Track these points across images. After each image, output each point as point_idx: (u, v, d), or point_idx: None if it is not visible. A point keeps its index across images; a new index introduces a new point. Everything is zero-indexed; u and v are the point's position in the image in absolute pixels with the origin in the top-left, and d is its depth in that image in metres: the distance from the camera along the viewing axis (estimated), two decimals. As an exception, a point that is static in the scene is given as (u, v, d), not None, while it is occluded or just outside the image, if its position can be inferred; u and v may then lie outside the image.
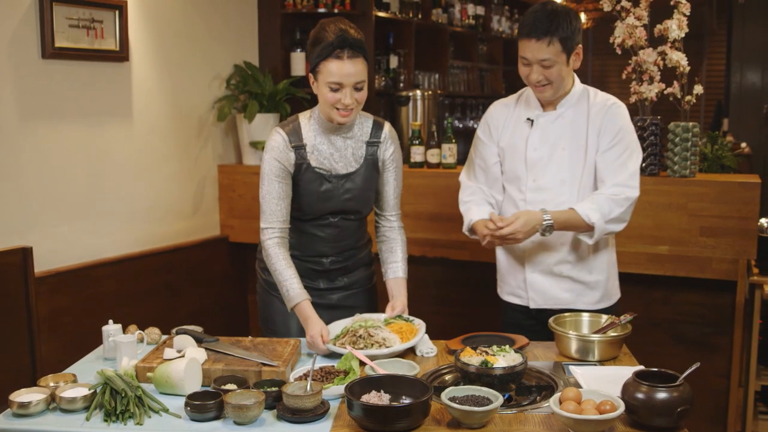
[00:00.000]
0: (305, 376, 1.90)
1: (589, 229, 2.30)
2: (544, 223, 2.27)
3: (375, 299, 2.55)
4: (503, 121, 2.48)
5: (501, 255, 2.57)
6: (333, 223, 2.35)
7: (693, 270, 3.09)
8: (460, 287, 3.55)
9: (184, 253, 3.77)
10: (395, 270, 2.40)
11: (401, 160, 2.44)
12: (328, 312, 2.40)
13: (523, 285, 2.49)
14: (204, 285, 3.91)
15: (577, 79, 2.42)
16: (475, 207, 2.48)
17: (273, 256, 2.26)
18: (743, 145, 5.11)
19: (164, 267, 3.66)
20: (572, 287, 2.43)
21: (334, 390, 1.85)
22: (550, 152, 2.38)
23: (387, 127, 2.39)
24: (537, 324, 2.44)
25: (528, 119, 2.42)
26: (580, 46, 2.33)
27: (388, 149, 2.38)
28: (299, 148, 2.27)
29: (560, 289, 2.44)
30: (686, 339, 3.26)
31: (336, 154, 2.30)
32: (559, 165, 2.38)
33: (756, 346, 3.15)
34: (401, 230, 2.47)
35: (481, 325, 2.59)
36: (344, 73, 2.15)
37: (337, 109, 2.19)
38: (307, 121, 2.30)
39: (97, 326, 3.20)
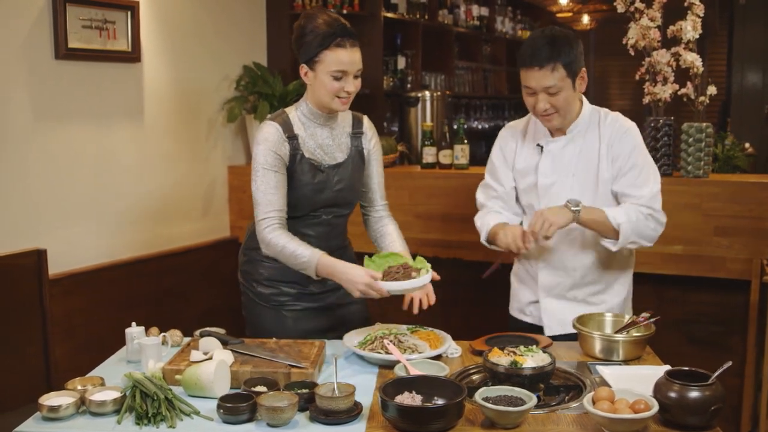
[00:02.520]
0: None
1: (615, 233, 2.26)
2: (573, 206, 2.22)
3: (365, 302, 2.53)
4: (515, 147, 2.45)
5: (513, 277, 2.57)
6: (324, 220, 2.35)
7: (707, 270, 3.10)
8: (473, 288, 3.54)
9: (194, 254, 3.77)
10: (394, 247, 2.39)
11: (381, 151, 2.47)
12: (326, 315, 2.41)
13: (535, 307, 2.48)
14: (214, 286, 3.90)
15: (585, 102, 2.37)
16: (490, 215, 2.46)
17: (275, 238, 2.19)
18: (747, 145, 5.13)
19: (175, 268, 3.65)
20: (587, 310, 2.38)
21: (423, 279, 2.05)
22: (561, 179, 2.35)
23: (366, 119, 2.44)
24: None
25: (538, 145, 2.39)
26: (584, 69, 2.28)
27: (371, 140, 2.42)
28: (292, 138, 2.26)
29: (575, 314, 2.36)
30: (699, 339, 3.27)
31: (324, 145, 2.32)
32: (569, 192, 2.33)
33: (769, 345, 3.16)
34: (391, 218, 2.47)
35: (496, 325, 2.58)
36: (349, 60, 2.17)
37: (339, 97, 2.21)
38: (294, 113, 2.31)
39: (110, 328, 3.21)
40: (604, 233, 2.29)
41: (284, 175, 2.26)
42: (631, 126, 2.35)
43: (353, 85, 2.21)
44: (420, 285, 2.11)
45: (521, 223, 2.47)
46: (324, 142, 2.32)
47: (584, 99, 2.38)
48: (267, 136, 2.24)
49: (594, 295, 2.42)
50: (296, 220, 2.32)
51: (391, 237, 2.43)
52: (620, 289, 2.45)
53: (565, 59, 2.19)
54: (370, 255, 2.24)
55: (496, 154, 2.50)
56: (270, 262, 2.37)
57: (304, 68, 2.23)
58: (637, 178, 2.30)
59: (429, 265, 2.16)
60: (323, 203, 2.33)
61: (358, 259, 2.55)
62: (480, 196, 2.56)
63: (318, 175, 2.29)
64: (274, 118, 2.29)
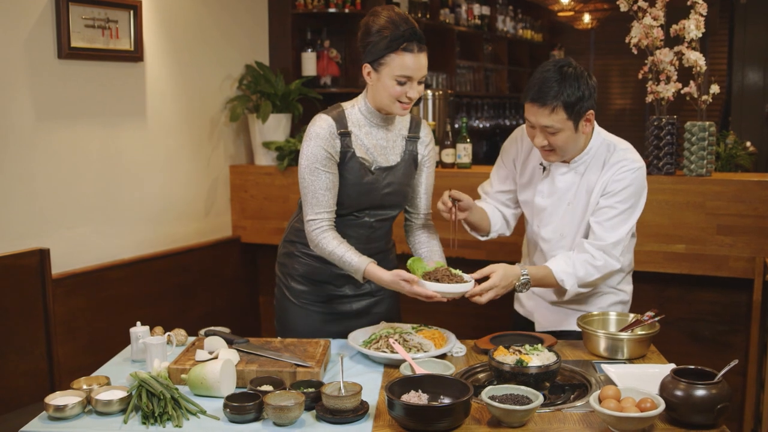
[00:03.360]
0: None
1: (561, 291, 2.27)
2: (522, 278, 2.19)
3: (399, 307, 2.52)
4: (527, 152, 2.39)
5: None
6: (366, 223, 2.30)
7: (710, 268, 3.10)
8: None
9: (197, 254, 3.76)
10: (431, 258, 2.34)
11: (435, 158, 2.42)
12: (354, 320, 2.38)
13: (530, 305, 2.49)
14: (216, 286, 3.90)
15: (597, 133, 2.27)
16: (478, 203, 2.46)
17: (323, 241, 2.18)
18: (748, 144, 5.16)
19: (178, 268, 3.65)
20: (573, 314, 2.38)
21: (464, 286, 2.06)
22: (556, 205, 2.31)
23: (425, 123, 2.38)
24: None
25: (541, 164, 2.33)
26: (592, 111, 2.17)
27: (428, 146, 2.36)
28: (345, 135, 2.20)
29: (566, 315, 2.40)
30: (702, 337, 3.27)
31: (378, 146, 2.25)
32: (561, 219, 2.31)
33: (772, 343, 3.16)
34: (433, 227, 2.44)
35: (498, 324, 2.58)
36: (416, 66, 2.10)
37: (400, 101, 2.16)
38: (351, 110, 2.25)
39: (113, 328, 3.21)
40: (554, 288, 2.30)
41: (335, 174, 2.20)
42: (637, 168, 2.23)
43: (416, 91, 2.15)
44: (463, 290, 2.09)
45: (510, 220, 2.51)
46: (378, 142, 2.26)
47: (597, 130, 2.28)
48: (318, 132, 2.18)
49: (575, 303, 2.40)
50: (339, 218, 2.27)
51: (428, 246, 2.38)
52: (611, 302, 2.42)
53: (568, 100, 2.10)
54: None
55: (501, 157, 2.46)
56: (306, 259, 2.36)
57: (367, 68, 2.16)
58: (610, 221, 2.23)
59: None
60: (368, 205, 2.28)
61: (401, 262, 2.54)
62: (480, 188, 2.56)
63: (367, 176, 2.23)
64: (329, 112, 2.23)
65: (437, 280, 2.08)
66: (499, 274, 2.15)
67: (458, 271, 2.14)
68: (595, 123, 2.28)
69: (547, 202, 2.32)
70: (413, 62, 2.10)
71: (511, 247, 3.01)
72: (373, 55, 2.13)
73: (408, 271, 2.13)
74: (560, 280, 2.22)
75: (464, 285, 2.08)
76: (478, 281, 2.14)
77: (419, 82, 2.15)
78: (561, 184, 2.29)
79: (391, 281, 2.11)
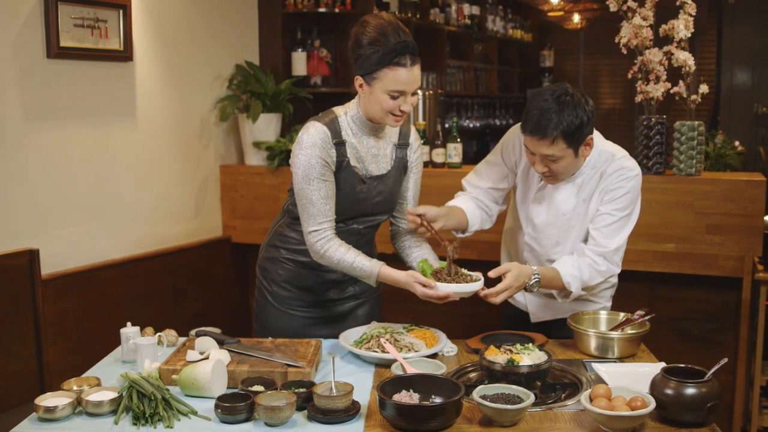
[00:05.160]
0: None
1: (566, 293, 2.30)
2: (533, 278, 2.20)
3: (380, 308, 2.52)
4: (521, 151, 2.36)
5: (505, 259, 2.58)
6: (354, 230, 2.28)
7: (699, 267, 3.12)
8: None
9: (187, 254, 3.75)
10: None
11: (422, 163, 2.40)
12: (337, 323, 2.37)
13: (522, 298, 2.50)
14: (207, 286, 3.89)
15: (594, 145, 2.25)
16: (461, 198, 2.44)
17: (329, 251, 2.15)
18: (736, 143, 5.18)
19: (168, 268, 3.64)
20: (571, 304, 2.40)
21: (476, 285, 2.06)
22: (554, 215, 2.32)
23: (413, 129, 2.36)
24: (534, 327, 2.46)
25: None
26: (591, 136, 2.18)
27: (416, 152, 2.34)
28: (340, 144, 2.16)
29: (560, 304, 2.41)
30: (692, 336, 3.29)
31: (369, 154, 2.23)
32: (558, 229, 2.33)
33: (761, 342, 3.18)
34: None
35: (487, 324, 2.59)
36: (409, 80, 2.06)
37: (393, 114, 2.12)
38: (344, 117, 2.20)
39: (102, 328, 3.20)
40: (559, 289, 2.32)
41: (332, 182, 2.17)
42: (634, 175, 2.25)
43: (409, 104, 2.11)
44: (475, 289, 2.09)
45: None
46: (370, 151, 2.23)
47: (595, 140, 2.25)
48: (316, 141, 2.12)
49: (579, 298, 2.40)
50: None
51: (419, 250, 2.34)
52: (604, 294, 2.46)
53: (567, 130, 2.09)
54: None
55: (500, 154, 2.42)
56: (291, 265, 2.34)
57: (359, 80, 2.11)
58: (610, 226, 2.25)
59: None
60: (360, 212, 2.26)
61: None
62: (466, 181, 2.51)
63: (359, 185, 2.21)
64: (321, 119, 2.17)
65: (446, 280, 2.08)
66: (513, 274, 2.16)
67: (464, 270, 2.14)
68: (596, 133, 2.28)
69: (544, 212, 2.33)
70: (406, 77, 2.06)
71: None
72: (365, 69, 2.08)
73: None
74: (567, 283, 2.25)
75: (476, 284, 2.09)
76: (493, 281, 2.15)
77: (413, 94, 2.12)
78: (558, 193, 2.30)
79: (406, 282, 2.10)
